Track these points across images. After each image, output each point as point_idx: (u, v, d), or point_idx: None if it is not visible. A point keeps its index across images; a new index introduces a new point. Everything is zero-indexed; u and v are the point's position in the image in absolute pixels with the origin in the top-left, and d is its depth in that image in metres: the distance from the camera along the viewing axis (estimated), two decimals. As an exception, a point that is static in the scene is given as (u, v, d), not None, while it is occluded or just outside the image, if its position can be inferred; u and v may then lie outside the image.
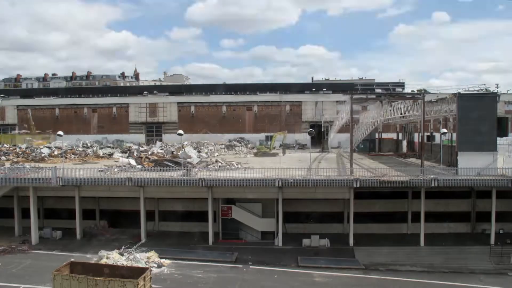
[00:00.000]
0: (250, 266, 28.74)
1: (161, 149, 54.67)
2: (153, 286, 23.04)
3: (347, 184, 31.71)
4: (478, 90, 34.63)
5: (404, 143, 56.25)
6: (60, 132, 38.44)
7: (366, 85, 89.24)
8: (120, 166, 37.89)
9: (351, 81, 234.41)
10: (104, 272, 22.56)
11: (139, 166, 38.51)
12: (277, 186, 31.75)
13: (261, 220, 35.12)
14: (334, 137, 62.46)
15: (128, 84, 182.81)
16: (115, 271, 22.84)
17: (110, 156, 52.49)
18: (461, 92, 33.90)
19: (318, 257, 30.44)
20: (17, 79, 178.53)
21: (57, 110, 75.07)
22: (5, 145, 60.95)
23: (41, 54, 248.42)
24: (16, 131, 74.22)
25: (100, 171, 35.52)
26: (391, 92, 66.56)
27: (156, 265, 27.96)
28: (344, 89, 70.96)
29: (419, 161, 39.14)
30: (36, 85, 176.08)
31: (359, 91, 59.67)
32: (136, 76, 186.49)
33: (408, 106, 41.13)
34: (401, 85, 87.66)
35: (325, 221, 36.18)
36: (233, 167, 38.49)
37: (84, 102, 75.98)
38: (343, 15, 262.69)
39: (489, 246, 30.84)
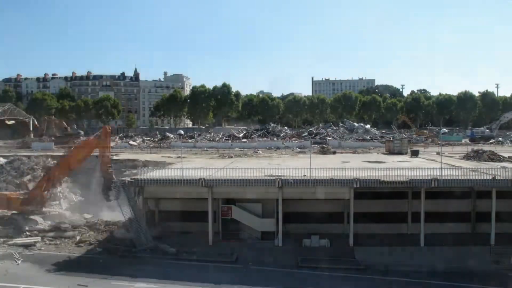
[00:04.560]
0: (250, 266, 28.73)
1: None
2: (153, 286, 23.10)
3: (347, 184, 31.70)
4: None
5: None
6: None
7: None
8: None
9: (352, 80, 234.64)
10: None
11: None
12: (277, 186, 31.78)
13: (261, 220, 35.09)
14: None
15: (128, 85, 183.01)
16: None
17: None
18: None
19: (318, 257, 30.43)
20: (17, 79, 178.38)
21: None
22: None
23: None
24: None
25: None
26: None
27: None
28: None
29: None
30: (36, 85, 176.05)
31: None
32: (136, 76, 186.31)
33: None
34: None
35: (325, 221, 36.09)
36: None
37: None
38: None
39: (489, 246, 30.84)
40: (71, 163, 37.01)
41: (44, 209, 38.13)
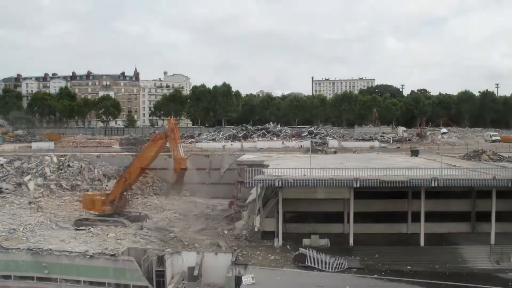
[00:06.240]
0: (250, 266, 28.71)
1: None
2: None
3: (347, 184, 31.68)
4: None
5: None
6: None
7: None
8: None
9: (352, 80, 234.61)
10: None
11: None
12: (277, 186, 31.76)
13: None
14: None
15: (128, 84, 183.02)
16: None
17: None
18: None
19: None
20: (17, 78, 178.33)
21: None
22: None
23: None
24: None
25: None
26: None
27: None
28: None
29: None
30: (36, 85, 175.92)
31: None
32: (136, 75, 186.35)
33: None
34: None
35: (325, 221, 36.12)
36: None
37: None
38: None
39: (489, 246, 30.84)
40: (143, 162, 37.52)
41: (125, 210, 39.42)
